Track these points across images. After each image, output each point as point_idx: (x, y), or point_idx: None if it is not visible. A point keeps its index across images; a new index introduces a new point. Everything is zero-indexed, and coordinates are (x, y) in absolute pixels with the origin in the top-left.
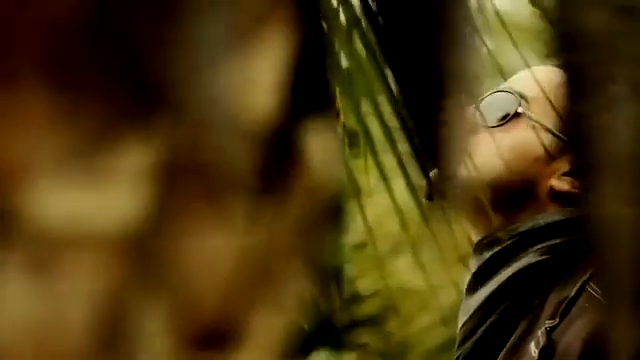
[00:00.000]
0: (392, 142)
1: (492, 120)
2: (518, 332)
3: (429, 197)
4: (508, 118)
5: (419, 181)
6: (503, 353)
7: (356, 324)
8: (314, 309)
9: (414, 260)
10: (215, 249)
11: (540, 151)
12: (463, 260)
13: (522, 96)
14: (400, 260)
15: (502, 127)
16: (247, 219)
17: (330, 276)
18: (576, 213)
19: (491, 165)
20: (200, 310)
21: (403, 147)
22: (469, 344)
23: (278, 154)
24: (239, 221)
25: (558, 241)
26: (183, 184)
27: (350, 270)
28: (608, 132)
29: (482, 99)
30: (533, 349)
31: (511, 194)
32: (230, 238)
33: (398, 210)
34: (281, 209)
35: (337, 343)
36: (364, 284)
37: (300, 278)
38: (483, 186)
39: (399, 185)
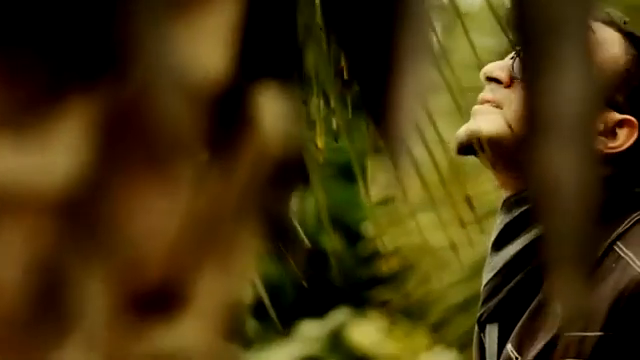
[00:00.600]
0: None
1: (519, 70)
2: (543, 292)
3: (460, 151)
4: None
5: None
6: (528, 312)
7: (377, 282)
8: (336, 266)
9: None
10: (158, 212)
11: None
12: (482, 219)
13: None
14: (421, 218)
15: None
16: (193, 181)
17: (294, 235)
18: (606, 173)
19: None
20: (142, 274)
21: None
22: (494, 302)
23: (227, 116)
24: (184, 184)
25: None
26: (125, 146)
27: (371, 228)
28: (554, 94)
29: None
30: (559, 309)
31: None
32: (174, 201)
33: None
34: (229, 171)
35: (358, 300)
36: (385, 242)
37: (250, 240)
38: (511, 142)
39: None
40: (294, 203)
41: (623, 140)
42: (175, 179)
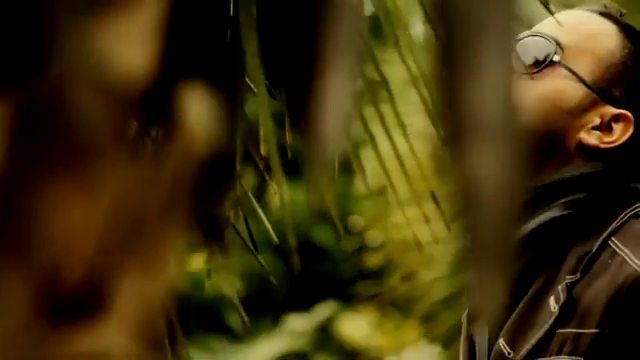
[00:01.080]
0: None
1: (523, 64)
2: (536, 287)
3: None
4: (543, 65)
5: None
6: (520, 307)
7: (363, 276)
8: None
9: (419, 213)
10: (79, 213)
11: (572, 103)
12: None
13: (557, 43)
14: (407, 212)
15: (536, 75)
16: (115, 181)
17: (224, 231)
18: (601, 167)
19: (522, 113)
20: (61, 276)
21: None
22: None
23: (152, 115)
24: (105, 184)
25: (582, 196)
26: (43, 146)
27: (358, 222)
28: (477, 98)
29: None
30: (553, 304)
31: (538, 145)
32: (95, 201)
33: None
34: (154, 170)
35: (343, 294)
36: (372, 236)
37: (176, 241)
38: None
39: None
40: (285, 195)
41: (619, 135)
42: (96, 179)
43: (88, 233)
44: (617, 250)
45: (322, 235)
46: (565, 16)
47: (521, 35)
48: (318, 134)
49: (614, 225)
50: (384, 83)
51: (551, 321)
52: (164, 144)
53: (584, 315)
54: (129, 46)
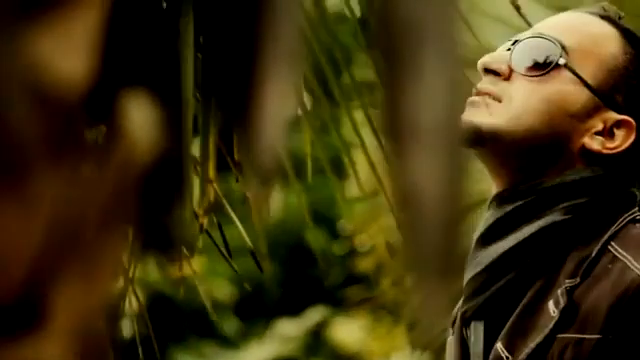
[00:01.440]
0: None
1: (525, 66)
2: (533, 291)
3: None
4: (550, 68)
5: None
6: (518, 311)
7: (352, 281)
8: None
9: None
10: (14, 224)
11: (577, 107)
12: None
13: (562, 45)
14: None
15: (541, 77)
16: (53, 190)
17: (177, 240)
18: (602, 172)
19: (525, 116)
20: None
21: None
22: (479, 300)
23: (89, 122)
24: (43, 193)
25: (583, 200)
26: None
27: (347, 226)
28: (416, 101)
29: (516, 42)
30: (552, 308)
31: (541, 148)
32: (32, 212)
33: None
34: (94, 178)
35: (332, 299)
36: (362, 240)
37: (118, 250)
38: (512, 137)
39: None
40: (278, 199)
41: (621, 141)
42: (32, 189)
43: (25, 245)
44: (617, 255)
45: (314, 239)
46: (565, 18)
47: (523, 36)
48: (257, 141)
49: (613, 230)
50: (374, 87)
51: (551, 325)
52: (105, 151)
53: (586, 320)
54: (67, 53)
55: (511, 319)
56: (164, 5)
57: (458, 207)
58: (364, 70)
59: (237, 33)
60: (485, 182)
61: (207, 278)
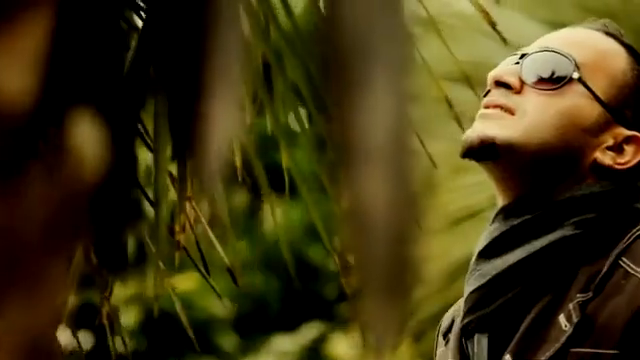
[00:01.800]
0: None
1: (537, 79)
2: (541, 304)
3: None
4: (563, 82)
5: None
6: (527, 324)
7: (346, 296)
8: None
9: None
10: None
11: (590, 122)
12: (453, 229)
13: (574, 60)
14: None
15: (554, 91)
16: None
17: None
18: (611, 187)
19: (539, 129)
20: None
21: None
22: (484, 312)
23: (35, 139)
24: None
25: (592, 215)
26: None
27: (342, 242)
28: (367, 121)
29: (523, 56)
30: (564, 322)
31: (554, 162)
32: None
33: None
34: (39, 198)
35: (328, 315)
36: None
37: (63, 269)
38: (526, 150)
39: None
40: (280, 215)
41: (630, 157)
42: None
43: None
44: (630, 271)
45: (313, 254)
46: (572, 33)
47: (531, 50)
48: (203, 152)
49: (622, 246)
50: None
51: (563, 339)
52: (51, 169)
53: (601, 335)
54: (10, 70)
55: (520, 331)
56: (113, 22)
57: (408, 224)
58: None
59: (184, 48)
60: (474, 197)
61: (205, 294)
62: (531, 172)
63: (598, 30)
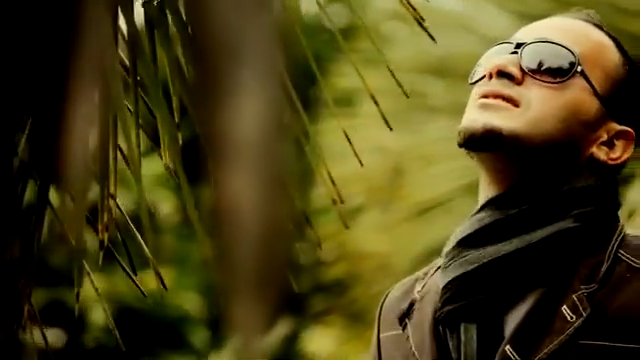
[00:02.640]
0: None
1: (540, 71)
2: (537, 295)
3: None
4: (569, 76)
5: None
6: (525, 314)
7: (319, 290)
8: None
9: (377, 223)
10: None
11: (590, 116)
12: (423, 219)
13: (576, 53)
14: (362, 224)
15: (558, 84)
16: None
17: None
18: (603, 181)
19: (544, 122)
20: None
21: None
22: (472, 300)
23: None
24: None
25: (590, 209)
26: None
27: (313, 236)
28: (233, 122)
29: (519, 46)
30: (568, 313)
31: (556, 154)
32: None
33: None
34: None
35: (299, 309)
36: (327, 249)
37: None
38: (531, 142)
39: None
40: None
41: (620, 152)
42: None
43: None
44: (634, 264)
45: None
46: (565, 24)
47: (527, 40)
48: (66, 159)
49: (618, 238)
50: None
51: (571, 331)
52: None
53: (615, 328)
54: None
55: (519, 322)
56: None
57: (276, 222)
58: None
59: (48, 52)
60: (441, 187)
61: (177, 291)
62: (531, 164)
63: (587, 21)
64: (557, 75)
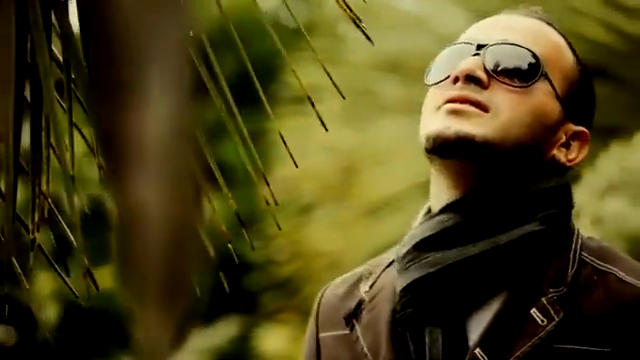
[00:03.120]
0: None
1: (505, 74)
2: (504, 297)
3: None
4: (535, 80)
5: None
6: (493, 317)
7: (272, 288)
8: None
9: (329, 221)
10: None
11: (552, 119)
12: (371, 218)
13: (539, 56)
14: (315, 223)
15: (524, 88)
16: None
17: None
18: (562, 182)
19: (513, 128)
20: None
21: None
22: (433, 302)
23: None
24: None
25: (554, 211)
26: None
27: (264, 234)
28: (137, 127)
29: (481, 48)
30: (538, 317)
31: (523, 159)
32: None
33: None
34: None
35: (249, 308)
36: (280, 248)
37: None
38: (503, 149)
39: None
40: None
41: (576, 153)
42: None
43: None
44: (600, 267)
45: (239, 247)
46: (521, 23)
47: (489, 42)
48: None
49: (577, 241)
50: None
51: (543, 334)
52: None
53: (587, 332)
54: None
55: (487, 325)
56: None
57: (183, 229)
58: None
59: None
60: (392, 187)
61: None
62: (496, 168)
63: (540, 20)
64: (522, 78)
